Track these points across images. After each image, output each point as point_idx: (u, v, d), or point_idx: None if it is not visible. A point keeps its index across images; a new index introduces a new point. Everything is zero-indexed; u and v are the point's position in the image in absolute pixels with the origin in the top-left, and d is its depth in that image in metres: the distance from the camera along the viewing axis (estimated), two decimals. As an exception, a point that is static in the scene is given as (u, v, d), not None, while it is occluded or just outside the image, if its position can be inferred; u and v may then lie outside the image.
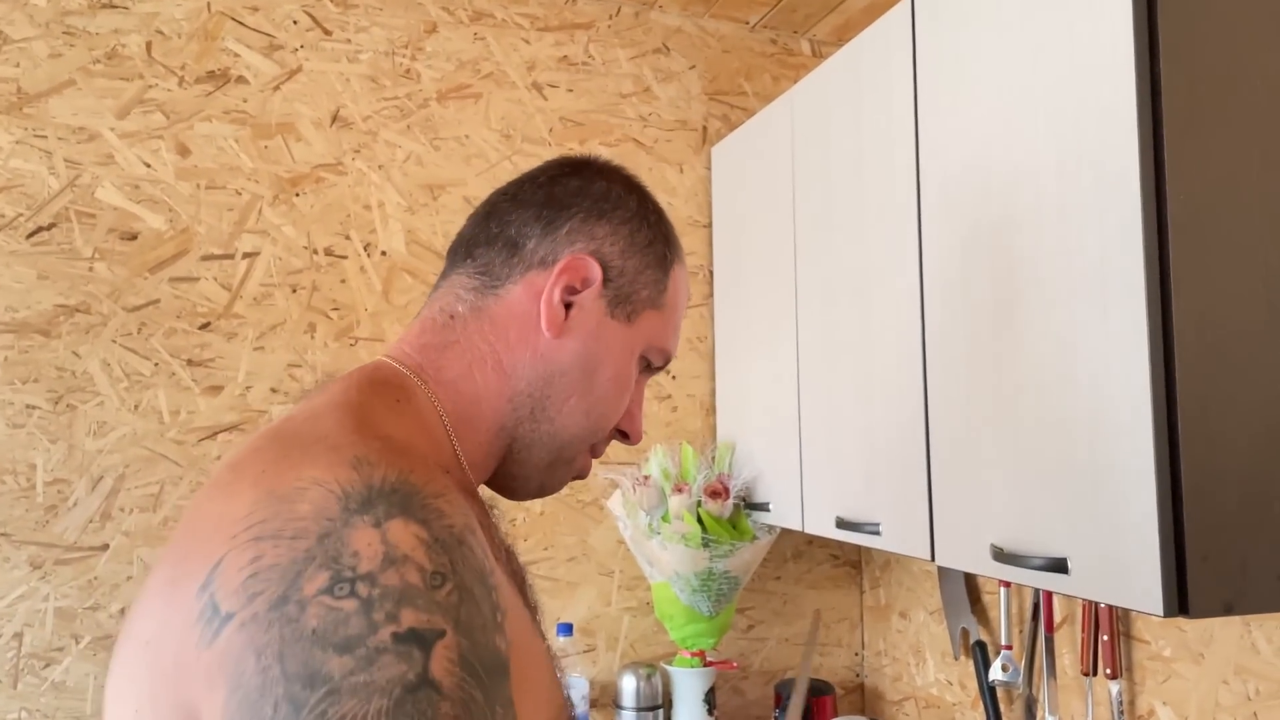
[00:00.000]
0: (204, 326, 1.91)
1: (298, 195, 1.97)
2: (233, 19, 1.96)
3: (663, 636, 2.08)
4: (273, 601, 0.57)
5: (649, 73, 2.18)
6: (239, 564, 0.59)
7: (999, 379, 1.20)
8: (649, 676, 1.96)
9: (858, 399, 1.55)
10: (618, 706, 1.97)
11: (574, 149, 2.12)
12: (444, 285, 0.87)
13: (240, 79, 1.95)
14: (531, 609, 0.83)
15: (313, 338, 1.96)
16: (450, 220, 2.05)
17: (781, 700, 1.98)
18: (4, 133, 1.83)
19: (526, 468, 0.85)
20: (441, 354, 0.83)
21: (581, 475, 0.90)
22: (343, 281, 1.99)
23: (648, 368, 0.89)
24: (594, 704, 2.04)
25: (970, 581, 1.83)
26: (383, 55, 2.03)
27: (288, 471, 0.63)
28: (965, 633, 1.84)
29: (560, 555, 2.07)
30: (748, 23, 2.24)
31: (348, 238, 1.99)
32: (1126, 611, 1.47)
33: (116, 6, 1.90)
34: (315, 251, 1.97)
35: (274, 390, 1.93)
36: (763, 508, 1.90)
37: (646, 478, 1.96)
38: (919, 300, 1.37)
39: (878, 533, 1.47)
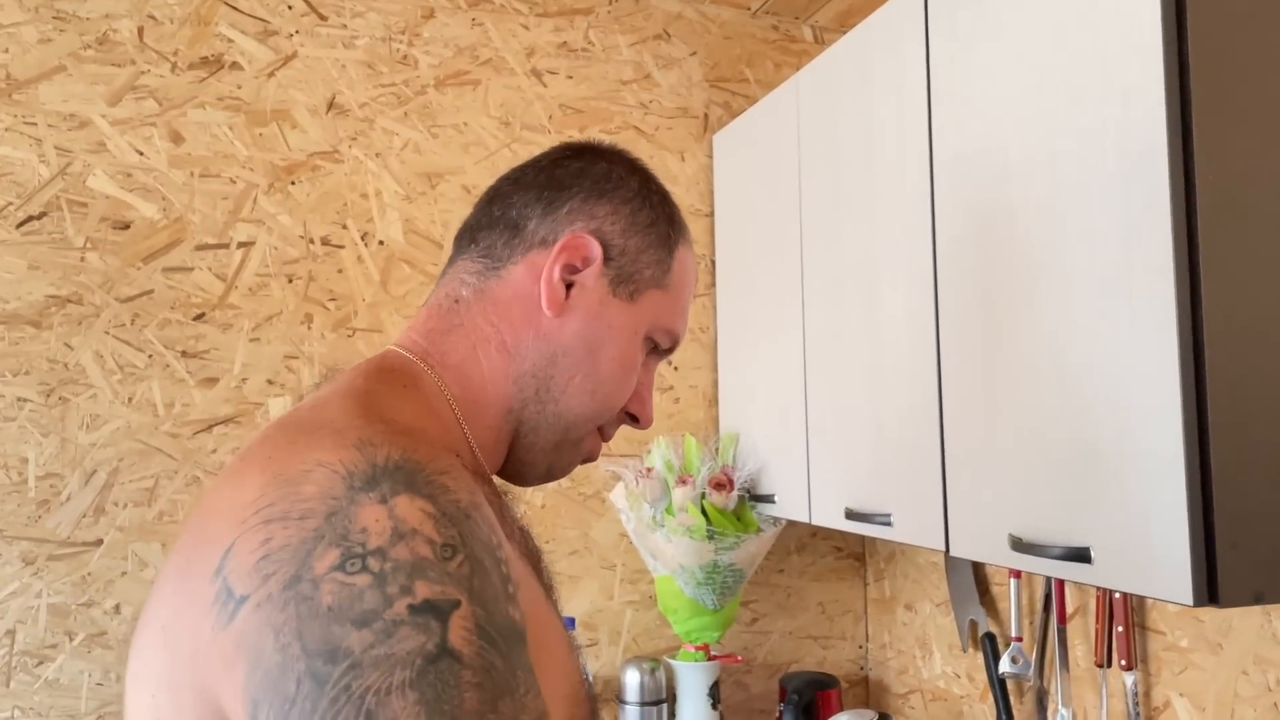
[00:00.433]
0: (198, 317, 1.88)
1: (293, 184, 1.94)
2: (226, 4, 1.92)
3: (666, 630, 2.06)
4: (286, 581, 0.57)
5: (649, 59, 2.15)
6: (250, 547, 0.59)
7: (1018, 365, 1.17)
8: (653, 671, 1.94)
9: (867, 388, 1.52)
10: (621, 701, 1.94)
11: (574, 136, 2.09)
12: (449, 271, 0.88)
13: (234, 65, 1.92)
14: (547, 588, 0.82)
15: (309, 329, 1.93)
16: (449, 209, 2.02)
17: (786, 694, 1.96)
18: (-7, 120, 1.79)
19: (534, 451, 0.85)
20: (446, 338, 0.84)
21: (590, 458, 0.90)
22: (340, 271, 1.95)
23: (655, 350, 0.89)
24: (597, 698, 2.01)
25: (979, 573, 1.81)
26: (379, 41, 2.00)
27: (293, 456, 0.64)
28: (974, 625, 1.82)
29: (562, 549, 2.04)
30: (749, 9, 2.21)
31: (345, 227, 1.96)
32: (1142, 601, 1.44)
33: (107, -9, 1.86)
34: (312, 241, 1.94)
35: (270, 382, 1.90)
36: (768, 500, 1.88)
37: (649, 470, 1.93)
38: (932, 286, 1.34)
39: (889, 523, 1.45)
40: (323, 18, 1.97)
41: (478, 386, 0.82)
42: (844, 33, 1.60)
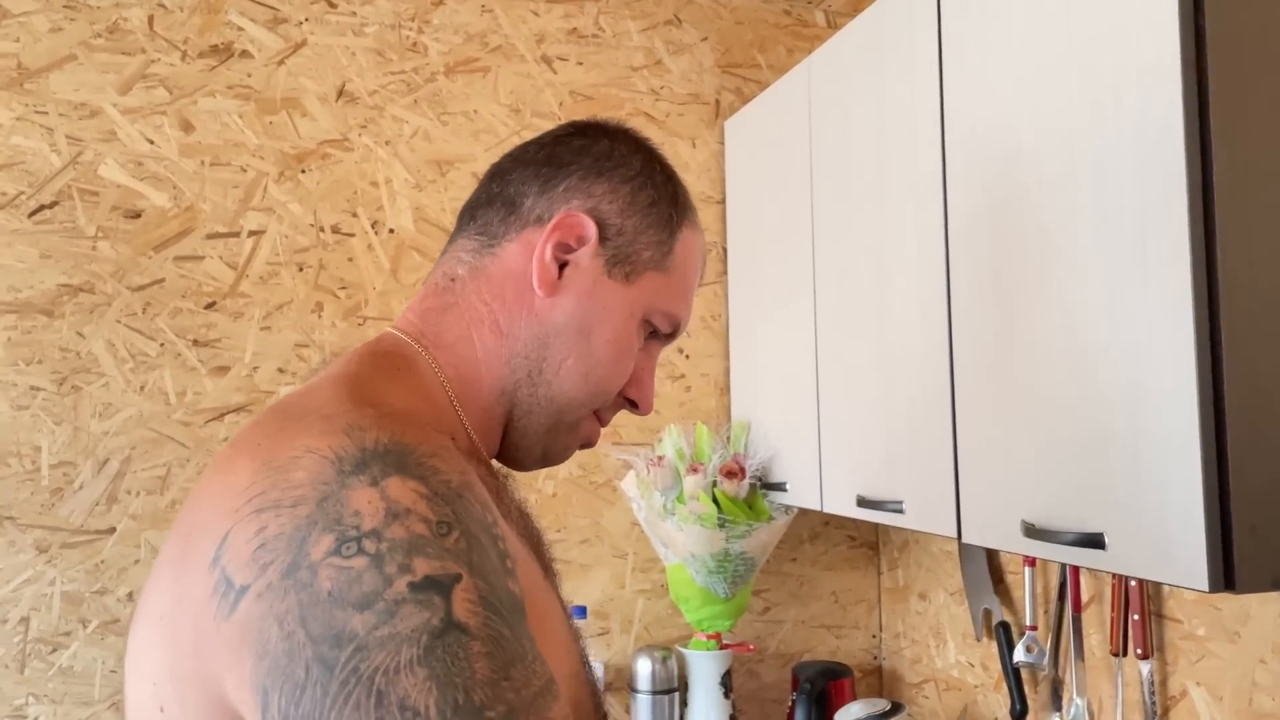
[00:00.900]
0: (210, 306, 1.88)
1: (304, 172, 1.93)
2: (236, -9, 1.92)
3: (678, 619, 2.05)
4: (284, 569, 0.57)
5: (660, 45, 2.13)
6: (245, 536, 0.59)
7: (1030, 348, 1.16)
8: (664, 659, 1.93)
9: (879, 374, 1.51)
10: (633, 690, 1.94)
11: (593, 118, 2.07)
12: (449, 249, 0.86)
13: (244, 53, 1.92)
14: (547, 568, 0.81)
15: (320, 317, 1.93)
16: (459, 197, 2.01)
17: (798, 683, 1.95)
18: (4, 109, 1.79)
19: (527, 435, 0.84)
20: (441, 318, 0.82)
21: (588, 443, 0.88)
22: (350, 260, 1.95)
23: (655, 334, 0.86)
24: (609, 687, 2.01)
25: (993, 561, 1.80)
26: (389, 28, 1.99)
27: (283, 443, 0.63)
28: (988, 613, 1.80)
29: (573, 537, 2.04)
30: (761, -6, 2.19)
31: (355, 215, 1.96)
32: (1158, 589, 1.43)
33: (117, -21, 1.86)
34: (322, 229, 1.94)
35: (281, 370, 1.90)
36: (779, 488, 1.86)
37: (660, 458, 1.92)
38: (944, 268, 1.33)
39: (901, 511, 1.43)
40: (332, 5, 1.96)
41: (470, 367, 0.81)
42: (856, 16, 1.58)
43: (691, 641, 1.96)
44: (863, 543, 2.20)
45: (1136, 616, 1.42)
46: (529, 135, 2.03)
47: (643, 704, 1.93)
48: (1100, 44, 1.05)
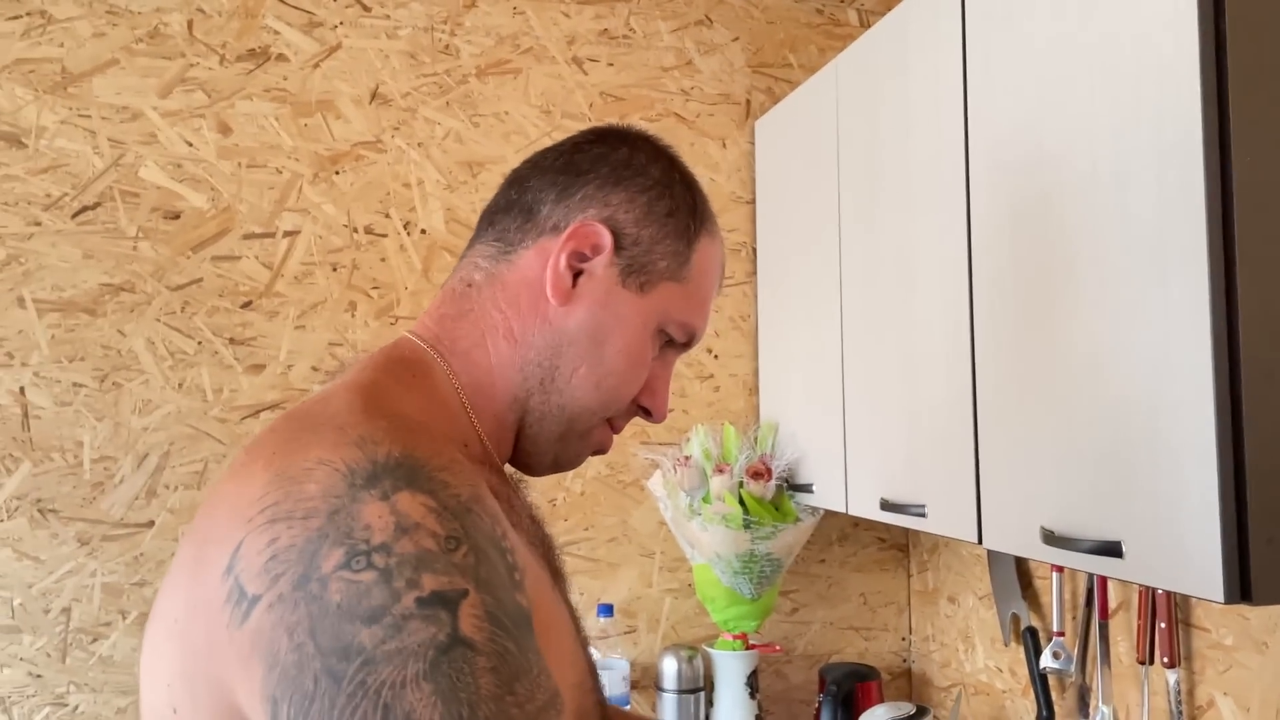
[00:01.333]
0: (246, 305, 1.91)
1: (338, 173, 1.96)
2: (272, -4, 1.95)
3: (704, 619, 2.06)
4: (295, 581, 0.58)
5: (691, 45, 2.13)
6: (258, 547, 0.60)
7: (1051, 355, 1.15)
8: (690, 659, 1.94)
9: (903, 377, 1.50)
10: (659, 689, 1.95)
11: (614, 124, 2.08)
12: (467, 254, 0.87)
13: (280, 56, 1.95)
14: (555, 575, 0.82)
15: (353, 316, 1.96)
16: (489, 198, 2.02)
17: (825, 685, 1.95)
18: (49, 112, 1.84)
19: (539, 442, 0.84)
20: (457, 324, 0.83)
21: (601, 450, 0.88)
22: (383, 260, 1.98)
23: (670, 343, 0.86)
24: (635, 685, 2.02)
25: (1021, 566, 1.78)
26: (422, 31, 2.01)
27: (296, 453, 0.64)
28: (1016, 618, 1.79)
29: (601, 536, 2.05)
30: (793, -7, 2.19)
31: (387, 216, 1.98)
32: (1186, 598, 1.41)
33: (158, -15, 1.90)
34: (355, 230, 1.97)
35: (315, 369, 1.94)
36: (806, 489, 1.86)
37: (687, 458, 1.93)
38: (967, 273, 1.32)
39: (923, 514, 1.43)
40: (366, 9, 1.99)
41: (484, 374, 0.81)
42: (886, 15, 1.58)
43: (718, 641, 1.97)
44: (892, 545, 2.19)
45: (1163, 625, 1.40)
46: (559, 136, 2.04)
47: (669, 703, 1.93)
48: (1120, 44, 1.03)
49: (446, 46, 2.03)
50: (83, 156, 1.86)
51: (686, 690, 1.93)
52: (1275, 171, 0.92)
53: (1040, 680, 1.66)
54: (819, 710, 1.95)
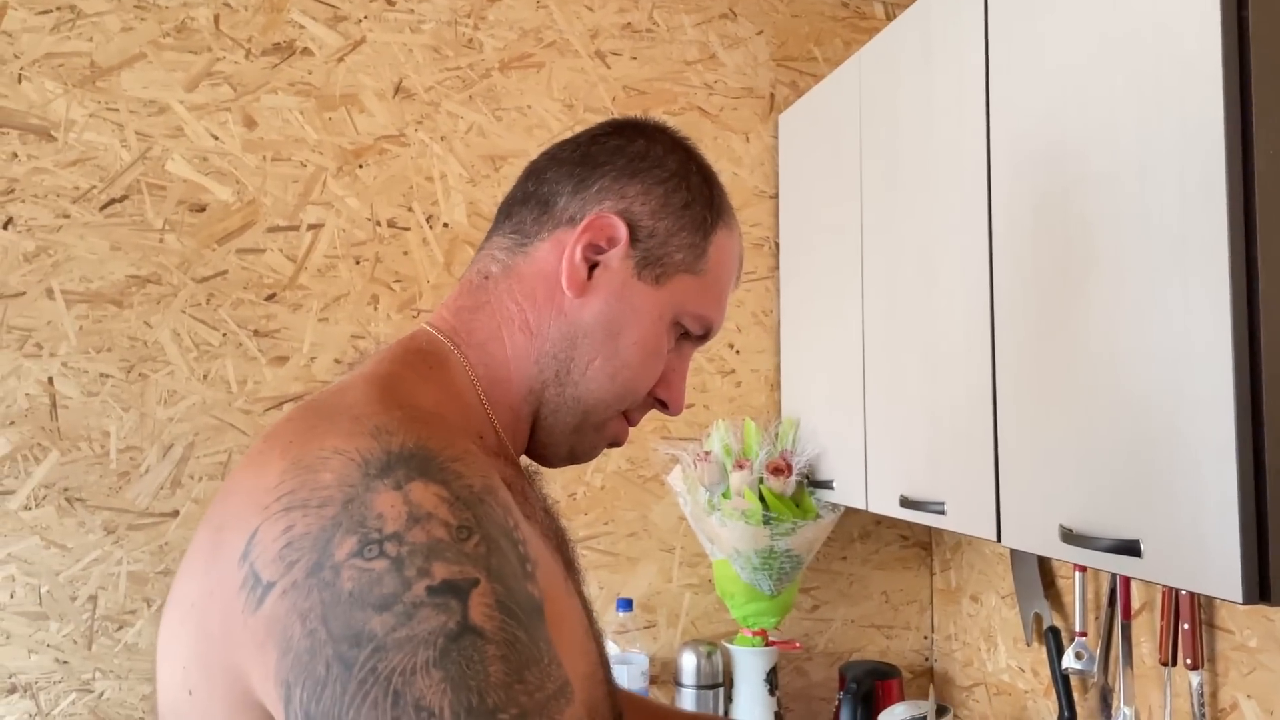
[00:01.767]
0: (270, 298, 1.93)
1: (361, 167, 1.97)
2: (297, -9, 1.97)
3: (724, 614, 2.05)
4: (309, 569, 0.59)
5: (715, 39, 2.12)
6: (273, 534, 0.61)
7: (1071, 351, 1.13)
8: (709, 654, 1.94)
9: (923, 374, 1.49)
10: (678, 684, 1.95)
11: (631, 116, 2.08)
12: (484, 246, 0.87)
13: (305, 51, 1.96)
14: (569, 567, 0.82)
15: (376, 309, 1.97)
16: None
17: (845, 682, 1.94)
18: (78, 106, 1.87)
19: (554, 433, 0.84)
20: (474, 316, 0.83)
21: (616, 443, 0.88)
22: (405, 253, 1.99)
23: (687, 336, 0.86)
24: (654, 680, 2.02)
25: (1044, 565, 1.76)
26: (445, 25, 2.02)
27: (312, 442, 0.65)
28: (1038, 618, 1.77)
29: (621, 530, 2.05)
30: (818, -14, 2.17)
31: (410, 209, 1.99)
32: (1210, 599, 1.38)
33: (185, -20, 1.92)
34: (378, 223, 1.98)
35: (338, 361, 1.95)
36: (826, 485, 1.85)
37: (708, 453, 1.92)
38: (987, 269, 1.30)
39: (942, 512, 1.41)
40: (390, 3, 2.00)
41: (500, 366, 0.82)
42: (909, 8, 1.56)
43: (737, 637, 1.96)
44: (915, 543, 2.18)
45: (1186, 626, 1.38)
46: (582, 130, 2.05)
47: (688, 698, 1.93)
48: (1143, 36, 1.02)
49: (470, 40, 2.03)
50: (111, 150, 1.88)
51: (705, 686, 1.93)
52: (1300, 165, 0.90)
53: (1062, 680, 1.64)
54: (839, 708, 1.94)
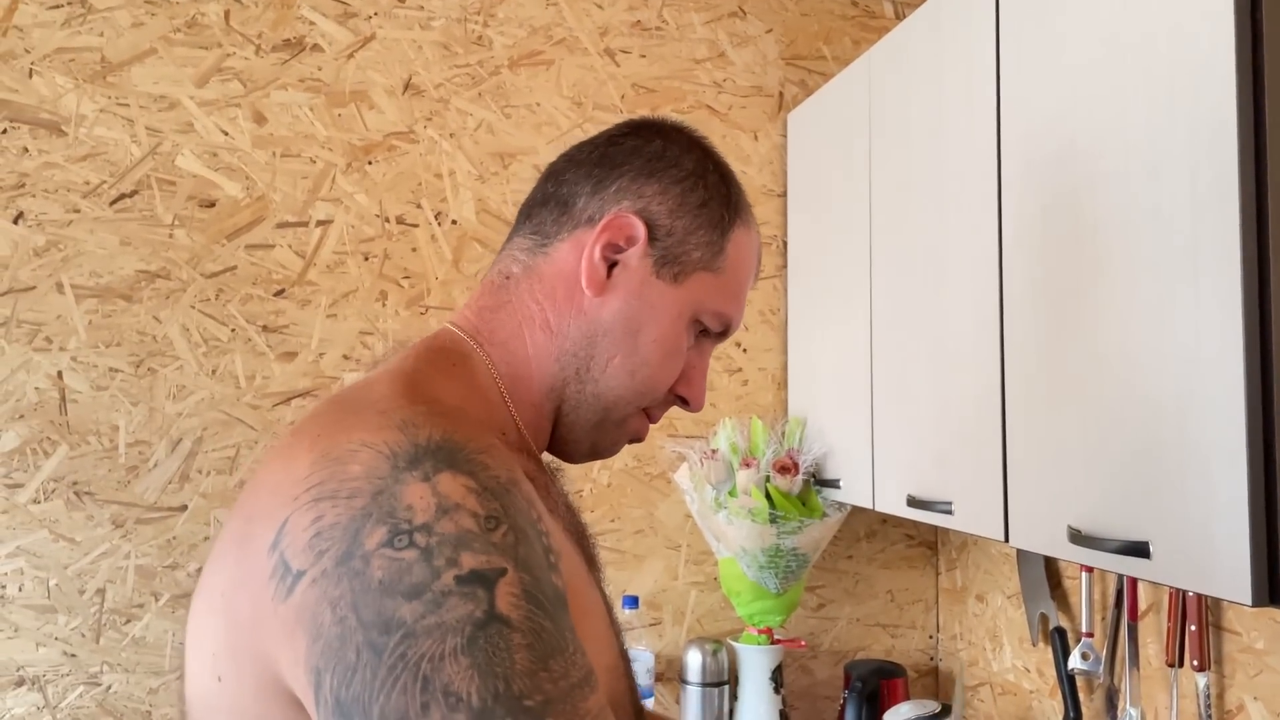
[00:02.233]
0: (279, 293, 1.94)
1: (370, 163, 1.98)
2: (308, -13, 1.97)
3: (730, 612, 2.05)
4: (339, 558, 0.60)
5: (724, 37, 2.12)
6: (303, 524, 0.62)
7: (1081, 351, 1.13)
8: (715, 652, 1.94)
9: (931, 373, 1.49)
10: (683, 681, 1.95)
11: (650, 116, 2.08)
12: (506, 247, 0.89)
13: (315, 47, 1.97)
14: (590, 562, 0.83)
15: (384, 305, 1.97)
16: (520, 189, 2.03)
17: (850, 681, 1.94)
18: (89, 101, 1.87)
19: (575, 429, 0.86)
20: (495, 315, 0.85)
21: (637, 438, 0.89)
22: (414, 250, 1.99)
23: (706, 333, 0.87)
24: (659, 678, 2.03)
25: (1050, 566, 1.76)
26: (455, 22, 2.02)
27: (340, 435, 0.66)
28: (1044, 618, 1.77)
29: (627, 528, 2.05)
30: (828, -15, 2.17)
31: (419, 206, 2.00)
32: (1217, 601, 1.38)
33: (195, -24, 1.92)
34: (387, 220, 1.98)
35: (346, 357, 1.95)
36: (833, 484, 1.85)
37: (714, 451, 1.93)
38: (997, 268, 1.30)
39: (950, 512, 1.42)
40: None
41: (522, 364, 0.83)
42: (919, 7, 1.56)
43: (742, 635, 1.96)
44: (921, 542, 2.18)
45: (1193, 627, 1.38)
46: (591, 128, 2.06)
47: (692, 695, 1.93)
48: (1156, 36, 1.02)
49: (479, 37, 2.03)
50: (121, 145, 1.88)
51: (710, 683, 1.93)
52: (1312, 167, 0.90)
53: (1068, 681, 1.64)
54: (844, 707, 1.94)
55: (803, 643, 2.00)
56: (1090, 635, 1.60)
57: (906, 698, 1.94)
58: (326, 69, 1.97)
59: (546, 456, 0.89)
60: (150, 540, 1.86)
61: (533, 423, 0.84)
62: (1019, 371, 1.26)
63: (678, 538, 2.07)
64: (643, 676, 1.89)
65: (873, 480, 1.70)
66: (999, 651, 1.94)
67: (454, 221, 2.01)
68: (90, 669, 1.82)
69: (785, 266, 2.13)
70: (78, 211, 1.86)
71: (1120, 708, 1.55)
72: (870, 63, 1.73)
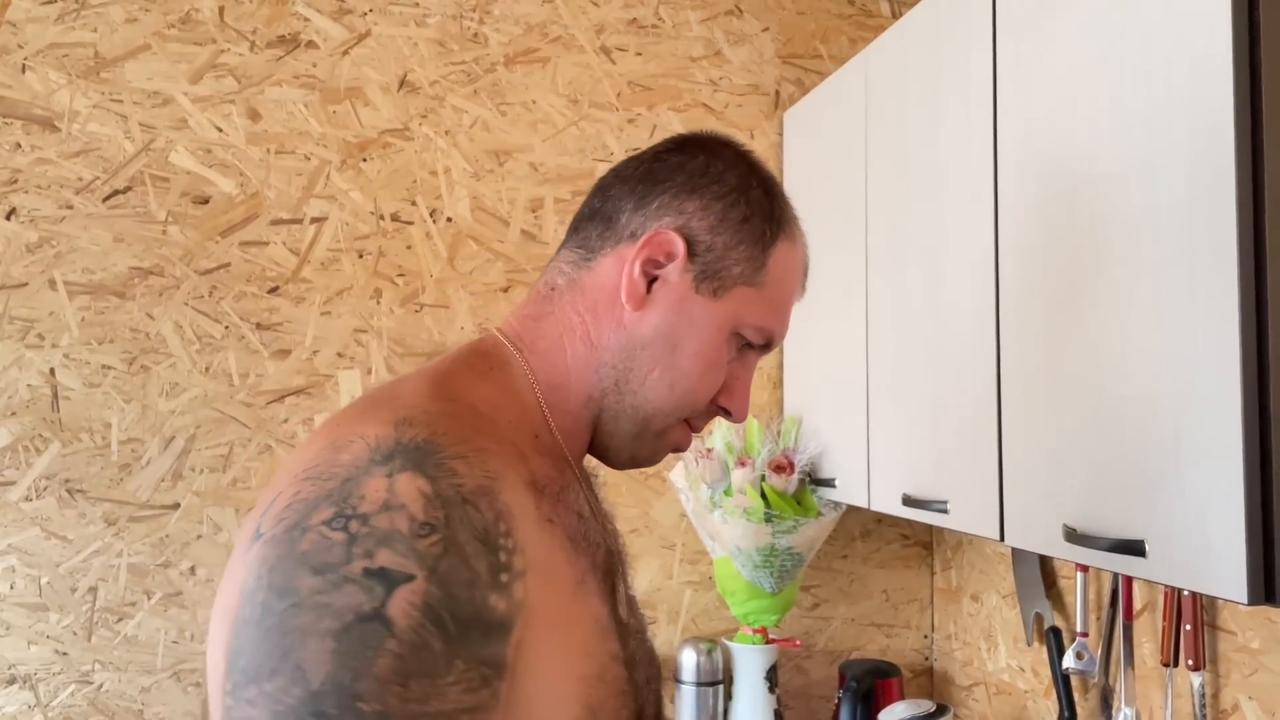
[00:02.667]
0: (273, 291, 1.93)
1: (365, 161, 1.97)
2: (303, -17, 1.96)
3: (724, 612, 2.05)
4: (289, 526, 0.65)
5: (720, 35, 2.12)
6: (285, 499, 0.67)
7: (1077, 350, 1.13)
8: (709, 652, 1.93)
9: (927, 372, 1.49)
10: (677, 681, 1.94)
11: (641, 114, 2.08)
12: (554, 260, 0.91)
13: (310, 43, 1.96)
14: (607, 573, 0.82)
15: (378, 303, 1.97)
16: (516, 187, 2.03)
17: (845, 680, 1.94)
18: (82, 97, 1.86)
19: (615, 439, 0.88)
20: (538, 325, 0.88)
21: (679, 449, 0.91)
22: (408, 247, 1.98)
23: (749, 345, 0.88)
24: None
25: (1045, 565, 1.76)
26: (450, 19, 2.02)
27: (352, 427, 0.71)
28: (1039, 618, 1.77)
29: (622, 527, 2.01)
30: (824, -16, 2.16)
31: (414, 204, 1.99)
32: (1212, 600, 1.38)
33: (190, -28, 1.91)
34: (382, 217, 1.98)
35: (340, 355, 1.95)
36: (828, 484, 1.85)
37: (710, 450, 1.92)
38: (993, 267, 1.30)
39: (945, 511, 1.41)
40: (395, -4, 1.99)
41: (560, 373, 0.85)
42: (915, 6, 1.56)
43: (737, 635, 1.96)
44: (916, 542, 2.17)
45: (1188, 627, 1.38)
46: (586, 126, 2.05)
47: (687, 695, 1.93)
48: (1154, 34, 1.01)
49: (475, 34, 2.03)
50: (114, 141, 1.88)
51: (705, 683, 1.93)
52: (1309, 165, 0.90)
53: (1063, 681, 1.64)
54: (838, 706, 1.94)
55: (798, 642, 1.99)
56: (1085, 635, 1.60)
57: (901, 697, 1.94)
58: (321, 65, 1.96)
59: (590, 461, 0.90)
60: (143, 538, 1.85)
61: (570, 429, 0.86)
62: (1015, 370, 1.26)
63: (673, 537, 2.07)
64: (637, 676, 1.88)
65: (868, 479, 1.70)
66: (994, 651, 1.94)
67: (449, 219, 2.00)
68: (82, 667, 1.81)
69: (781, 265, 2.12)
70: (70, 208, 1.85)
71: (1115, 707, 1.55)
72: (867, 61, 1.72)
